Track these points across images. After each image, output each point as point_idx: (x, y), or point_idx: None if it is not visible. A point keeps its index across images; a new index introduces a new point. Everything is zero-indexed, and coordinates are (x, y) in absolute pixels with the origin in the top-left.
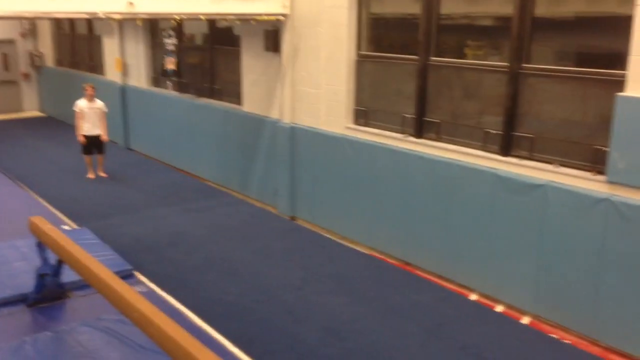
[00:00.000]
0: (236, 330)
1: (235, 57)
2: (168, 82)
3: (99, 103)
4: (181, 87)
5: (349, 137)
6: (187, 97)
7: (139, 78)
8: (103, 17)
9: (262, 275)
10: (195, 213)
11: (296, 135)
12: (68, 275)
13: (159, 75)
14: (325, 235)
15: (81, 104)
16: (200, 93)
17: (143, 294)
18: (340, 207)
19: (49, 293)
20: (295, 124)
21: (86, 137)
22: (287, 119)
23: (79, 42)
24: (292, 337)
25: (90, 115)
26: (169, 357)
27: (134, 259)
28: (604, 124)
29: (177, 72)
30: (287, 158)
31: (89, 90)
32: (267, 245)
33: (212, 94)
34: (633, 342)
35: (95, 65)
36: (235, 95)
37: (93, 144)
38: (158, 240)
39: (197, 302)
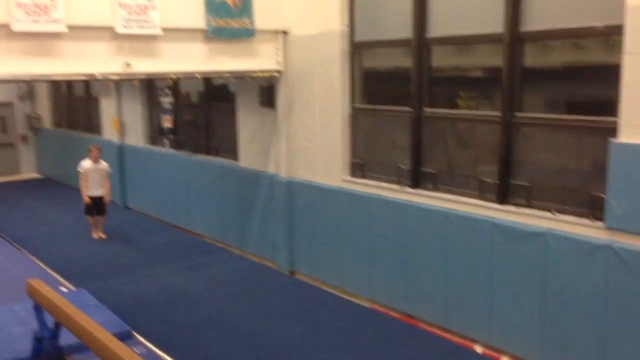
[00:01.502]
0: None
1: (231, 113)
2: (165, 140)
3: (103, 164)
4: (178, 144)
5: (345, 189)
6: (183, 154)
7: (136, 136)
8: (100, 78)
9: (262, 332)
10: (193, 270)
11: (293, 189)
12: (66, 338)
13: (155, 134)
14: (325, 289)
15: (85, 164)
16: (196, 149)
17: (142, 356)
18: (339, 260)
19: (47, 357)
20: (292, 177)
21: (90, 197)
22: (283, 173)
23: (76, 103)
24: None
25: (94, 176)
26: None
27: (132, 319)
28: (600, 170)
29: (174, 130)
30: (285, 212)
31: (94, 152)
32: (267, 301)
33: (209, 150)
34: None
35: (92, 125)
36: (231, 151)
37: (96, 205)
38: (156, 299)
39: None
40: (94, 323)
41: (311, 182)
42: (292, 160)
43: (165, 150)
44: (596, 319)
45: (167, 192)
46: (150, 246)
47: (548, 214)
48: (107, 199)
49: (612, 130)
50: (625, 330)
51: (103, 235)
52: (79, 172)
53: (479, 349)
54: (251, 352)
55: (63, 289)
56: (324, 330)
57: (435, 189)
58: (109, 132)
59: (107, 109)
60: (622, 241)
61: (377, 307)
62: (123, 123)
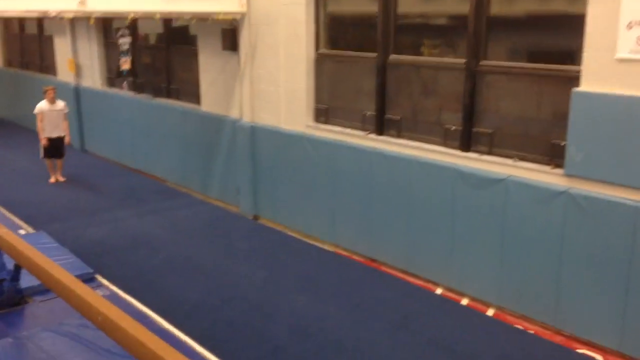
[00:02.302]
0: (202, 331)
1: (192, 56)
2: (124, 83)
3: (60, 104)
4: (137, 88)
5: (309, 135)
6: (143, 98)
7: (93, 79)
8: (54, 15)
9: (226, 275)
10: (156, 214)
11: (257, 134)
12: (27, 281)
13: (114, 76)
14: (288, 233)
15: (42, 106)
16: (157, 93)
17: (106, 297)
18: (303, 205)
19: (8, 299)
20: (256, 122)
21: (48, 139)
22: (247, 118)
23: (29, 42)
24: (258, 336)
25: (51, 117)
26: None
27: (95, 262)
28: (561, 118)
29: (133, 72)
30: (248, 157)
31: (50, 93)
32: (231, 245)
33: (170, 94)
34: (595, 330)
35: (46, 65)
36: (193, 95)
37: (54, 147)
38: (118, 243)
39: (161, 303)
40: (55, 265)
41: (275, 127)
42: (256, 105)
43: (125, 93)
44: (552, 262)
45: (128, 136)
46: (110, 190)
47: (509, 161)
48: (67, 139)
49: (575, 79)
50: (579, 273)
51: (61, 179)
52: (36, 114)
53: (439, 290)
54: (214, 294)
55: (21, 231)
56: (287, 273)
57: (399, 135)
58: (65, 74)
59: (62, 49)
60: (580, 187)
61: (340, 251)
62: (79, 64)
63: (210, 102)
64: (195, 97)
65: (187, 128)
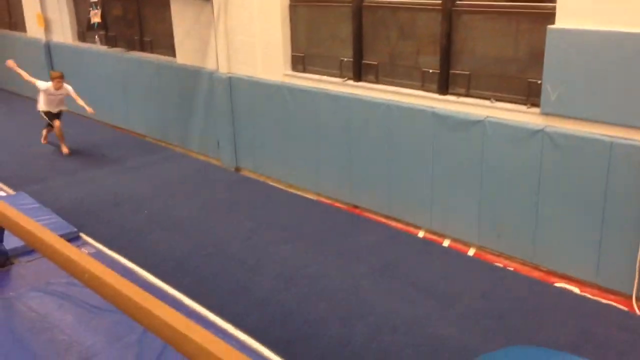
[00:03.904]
0: (189, 284)
1: (165, 7)
2: (95, 37)
3: (65, 89)
4: (109, 41)
5: (287, 84)
6: (116, 51)
7: (64, 33)
8: None
9: (210, 228)
10: (136, 171)
11: (234, 85)
12: (11, 242)
13: (84, 30)
14: (271, 184)
15: (47, 86)
16: (130, 46)
17: (91, 255)
18: (285, 155)
19: None
20: (233, 73)
21: (46, 112)
22: (223, 69)
23: None
24: (245, 287)
25: (53, 99)
26: (125, 315)
27: (77, 221)
28: (537, 57)
29: (104, 25)
30: (227, 109)
31: (58, 83)
32: (213, 198)
33: (143, 46)
34: (571, 263)
35: (15, 22)
36: (167, 47)
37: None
38: (100, 201)
39: (147, 259)
40: (39, 225)
41: (252, 77)
42: (232, 55)
43: (97, 47)
44: (530, 200)
45: (103, 91)
46: (88, 148)
47: (486, 102)
48: (89, 109)
49: (551, 16)
50: (556, 209)
51: (67, 150)
52: (38, 89)
53: (421, 233)
54: (201, 248)
55: (1, 192)
56: (271, 223)
57: (378, 81)
58: (34, 30)
59: (30, 3)
60: (556, 125)
61: (323, 199)
62: (48, 18)
63: (185, 54)
64: (170, 49)
65: (163, 81)
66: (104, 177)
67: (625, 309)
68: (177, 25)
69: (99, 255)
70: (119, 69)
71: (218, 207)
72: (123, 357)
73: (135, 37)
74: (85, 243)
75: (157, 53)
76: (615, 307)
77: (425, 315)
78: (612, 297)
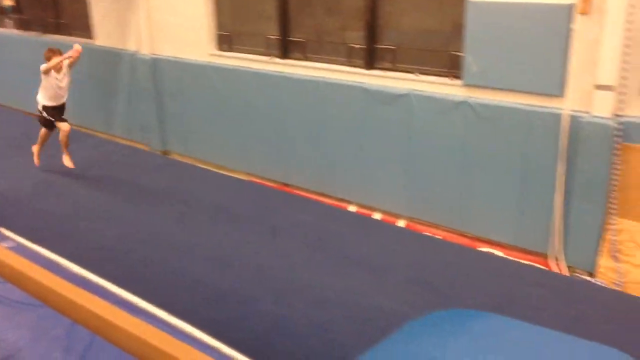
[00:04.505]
0: (118, 272)
1: None
2: (7, 20)
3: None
4: (23, 25)
5: (213, 63)
6: (31, 35)
7: None
8: None
9: (139, 214)
10: (59, 159)
11: (159, 67)
12: None
13: None
14: (200, 166)
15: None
16: (45, 29)
17: (12, 249)
18: (213, 136)
19: None
20: (156, 54)
21: (46, 107)
22: (146, 50)
23: None
24: (177, 271)
25: (59, 91)
26: (50, 308)
27: None
28: (458, 30)
29: (17, 8)
30: (152, 91)
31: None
32: (142, 183)
33: (59, 29)
34: (495, 229)
35: None
36: (85, 29)
37: (58, 111)
38: (21, 192)
39: (73, 250)
40: None
41: (177, 58)
42: (155, 36)
43: (10, 31)
44: (456, 170)
45: (18, 77)
46: (5, 137)
47: (412, 76)
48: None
49: None
50: (479, 177)
51: (71, 164)
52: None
53: (352, 208)
54: (129, 236)
55: None
56: (202, 206)
57: (305, 58)
58: None
59: None
60: (478, 96)
61: (254, 179)
62: None
63: (104, 35)
64: (88, 31)
65: (82, 65)
66: (25, 167)
67: (543, 267)
68: (95, 5)
69: (20, 249)
70: (34, 53)
71: (146, 193)
72: (50, 351)
73: (51, 20)
74: (5, 237)
75: (74, 36)
76: (534, 266)
77: (358, 287)
78: (531, 257)
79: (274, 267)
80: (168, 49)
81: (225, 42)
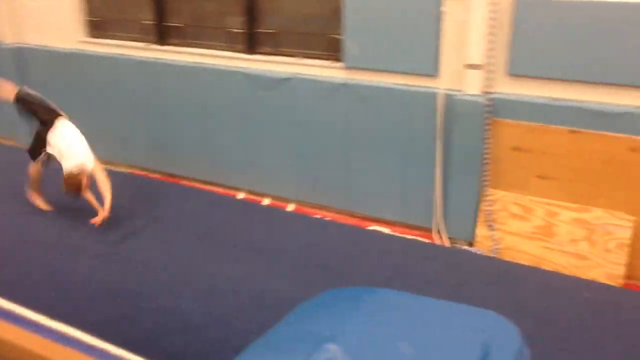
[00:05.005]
0: None
1: None
2: None
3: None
4: None
5: (84, 52)
6: None
7: None
8: None
9: (11, 216)
10: None
11: (24, 57)
12: None
13: None
14: None
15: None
16: None
17: None
18: (89, 128)
19: None
20: (21, 43)
21: None
22: (9, 39)
23: None
24: (59, 273)
25: None
26: None
27: None
28: (338, 13)
29: None
30: (17, 83)
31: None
32: (10, 184)
33: None
34: (382, 207)
35: None
36: None
37: None
38: None
39: None
40: None
41: (44, 47)
42: (18, 23)
43: None
44: (341, 152)
45: None
46: None
47: (294, 60)
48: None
49: None
50: (365, 158)
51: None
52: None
53: (241, 195)
54: (6, 246)
55: None
56: (80, 203)
57: (184, 43)
58: None
59: None
60: (359, 78)
61: (136, 171)
62: None
63: None
64: None
65: None
66: None
67: (427, 241)
68: None
69: None
70: None
71: (16, 194)
72: None
73: None
74: None
75: None
76: (419, 240)
77: (251, 274)
78: (416, 232)
79: (161, 261)
80: (34, 37)
81: (97, 28)
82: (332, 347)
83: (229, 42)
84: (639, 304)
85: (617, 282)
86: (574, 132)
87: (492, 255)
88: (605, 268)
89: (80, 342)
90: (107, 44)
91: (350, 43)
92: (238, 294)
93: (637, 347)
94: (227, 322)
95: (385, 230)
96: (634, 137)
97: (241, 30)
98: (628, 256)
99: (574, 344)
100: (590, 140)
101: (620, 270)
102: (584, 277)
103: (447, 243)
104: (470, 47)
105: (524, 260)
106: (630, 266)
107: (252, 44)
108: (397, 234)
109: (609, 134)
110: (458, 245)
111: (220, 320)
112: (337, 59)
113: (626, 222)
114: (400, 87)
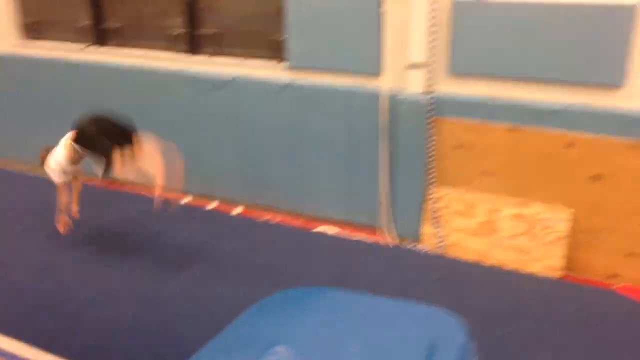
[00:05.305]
0: None
1: None
2: None
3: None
4: None
5: (19, 55)
6: None
7: None
8: None
9: None
10: None
11: None
12: None
13: None
14: (11, 169)
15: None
16: None
17: None
18: (27, 135)
19: None
20: None
21: None
22: None
23: None
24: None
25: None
26: None
27: None
28: (281, 14)
29: None
30: None
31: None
32: None
33: None
34: (329, 207)
35: None
36: None
37: None
38: None
39: None
40: None
41: None
42: None
43: None
44: (286, 153)
45: None
46: None
47: (237, 61)
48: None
49: None
50: (310, 158)
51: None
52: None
53: (186, 199)
54: None
55: None
56: (17, 211)
57: (123, 45)
58: None
59: None
60: (302, 78)
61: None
62: None
63: None
64: None
65: None
66: None
67: (374, 240)
68: None
69: None
70: None
71: None
72: None
73: None
74: None
75: None
76: (365, 240)
77: (195, 280)
78: (363, 232)
79: (100, 269)
80: None
81: (33, 30)
82: (281, 349)
83: (170, 43)
84: (576, 295)
85: (557, 274)
86: (513, 129)
87: (437, 252)
88: (545, 261)
89: (19, 357)
90: (43, 47)
91: (293, 43)
92: (183, 300)
93: (576, 336)
94: (172, 330)
95: (334, 230)
96: (569, 132)
97: (183, 31)
98: (566, 248)
99: (517, 336)
100: (528, 136)
101: (559, 263)
102: (525, 270)
103: (393, 241)
104: (412, 46)
105: (469, 257)
106: (568, 258)
107: (193, 45)
108: (344, 234)
109: (546, 130)
110: (404, 244)
111: (165, 329)
112: (281, 59)
113: (564, 215)
114: (344, 86)
